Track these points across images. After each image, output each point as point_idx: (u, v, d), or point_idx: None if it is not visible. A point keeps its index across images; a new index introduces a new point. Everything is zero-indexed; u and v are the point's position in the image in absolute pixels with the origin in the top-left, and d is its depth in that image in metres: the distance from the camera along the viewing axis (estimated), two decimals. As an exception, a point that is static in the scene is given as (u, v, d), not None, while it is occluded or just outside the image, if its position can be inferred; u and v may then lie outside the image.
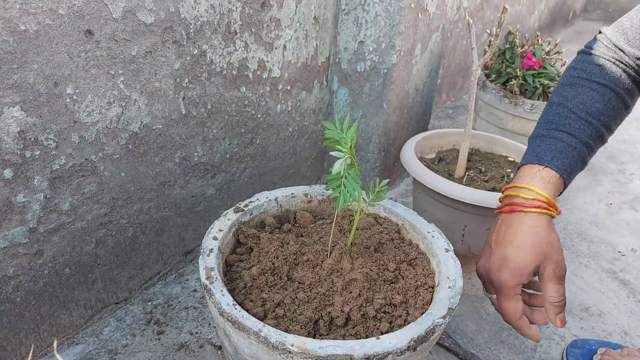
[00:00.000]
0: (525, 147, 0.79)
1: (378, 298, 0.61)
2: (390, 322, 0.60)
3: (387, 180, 0.61)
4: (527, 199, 0.65)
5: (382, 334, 0.58)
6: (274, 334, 0.52)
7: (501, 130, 1.34)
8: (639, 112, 2.11)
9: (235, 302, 0.55)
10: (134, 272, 0.94)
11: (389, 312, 0.61)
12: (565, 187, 0.68)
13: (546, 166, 0.66)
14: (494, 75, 1.34)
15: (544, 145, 0.69)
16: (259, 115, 1.04)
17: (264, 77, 1.01)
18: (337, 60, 1.21)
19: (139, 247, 0.92)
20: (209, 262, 0.61)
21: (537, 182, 0.66)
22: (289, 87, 1.10)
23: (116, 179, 0.82)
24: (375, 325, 0.59)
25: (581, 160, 0.69)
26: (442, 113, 1.99)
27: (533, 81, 1.25)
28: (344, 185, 0.54)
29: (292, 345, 0.51)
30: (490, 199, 0.91)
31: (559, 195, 0.68)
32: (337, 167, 0.53)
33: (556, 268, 0.64)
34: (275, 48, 1.01)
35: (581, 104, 0.70)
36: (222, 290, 0.57)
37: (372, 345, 0.52)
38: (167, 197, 0.93)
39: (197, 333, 0.91)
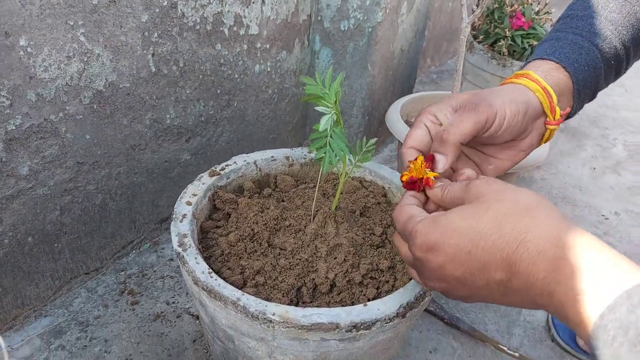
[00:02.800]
0: None
1: (364, 263, 0.57)
2: (377, 288, 0.57)
3: (375, 139, 0.56)
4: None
5: (368, 300, 0.55)
6: (254, 303, 0.48)
7: (487, 94, 1.30)
8: (624, 78, 2.10)
9: (210, 270, 0.51)
10: (105, 241, 0.89)
11: (375, 278, 0.57)
12: (575, 86, 0.57)
13: (543, 58, 0.57)
14: (481, 36, 1.30)
15: (543, 46, 0.60)
16: (236, 76, 0.98)
17: (240, 33, 0.94)
18: (319, 18, 1.15)
19: (109, 215, 0.87)
20: (181, 228, 0.56)
21: (529, 68, 0.57)
22: (268, 46, 1.03)
23: (80, 142, 0.75)
24: (361, 292, 0.56)
25: (591, 61, 0.58)
26: (426, 78, 1.95)
27: (522, 42, 1.21)
28: (329, 144, 0.49)
29: (274, 315, 0.47)
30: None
31: (578, 100, 0.58)
32: (324, 124, 0.49)
33: (469, 100, 0.51)
34: (253, 2, 0.94)
35: (594, 11, 0.60)
36: (196, 258, 0.52)
37: (359, 312, 0.49)
38: (138, 162, 0.87)
39: (174, 303, 0.87)
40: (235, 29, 0.92)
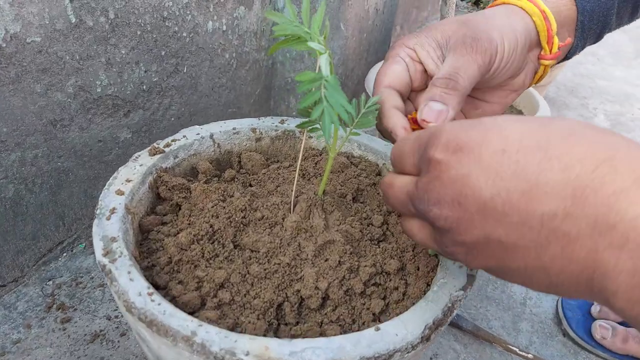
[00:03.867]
0: None
1: (365, 265, 0.43)
2: (384, 298, 0.43)
3: (378, 96, 0.41)
4: None
5: (374, 315, 0.41)
6: (217, 338, 0.32)
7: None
8: (595, 46, 2.04)
9: (152, 289, 0.35)
10: (24, 243, 0.70)
11: (381, 284, 0.43)
12: (579, 17, 0.48)
13: None
14: (463, -7, 1.16)
15: None
16: (185, 34, 0.80)
17: (188, -20, 0.76)
18: (281, -31, 0.97)
19: (27, 211, 0.68)
20: (108, 228, 0.39)
21: None
22: (222, -1, 0.85)
23: (-25, 116, 0.57)
24: (364, 305, 0.41)
25: None
26: (396, 48, 1.81)
27: (510, -2, 1.08)
28: (325, 98, 0.34)
29: (247, 355, 0.32)
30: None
31: (581, 36, 0.49)
32: (324, 66, 0.33)
33: (464, 35, 0.41)
34: (202, -59, 0.76)
35: None
36: (129, 273, 0.36)
37: (369, 340, 0.34)
38: (62, 142, 0.68)
39: (116, 317, 0.70)
40: (180, -26, 0.74)
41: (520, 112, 0.97)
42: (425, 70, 0.44)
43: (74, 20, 0.62)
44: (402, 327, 0.35)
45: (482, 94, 0.48)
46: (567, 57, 0.52)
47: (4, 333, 0.66)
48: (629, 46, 2.17)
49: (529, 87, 0.50)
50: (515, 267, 0.28)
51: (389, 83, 0.43)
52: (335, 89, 0.34)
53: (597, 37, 0.53)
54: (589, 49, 2.03)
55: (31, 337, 0.66)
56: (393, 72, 0.43)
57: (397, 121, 0.40)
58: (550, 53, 0.46)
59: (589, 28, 0.49)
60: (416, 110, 0.45)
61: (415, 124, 0.41)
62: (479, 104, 0.48)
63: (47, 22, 0.59)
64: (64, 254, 0.78)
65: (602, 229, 0.24)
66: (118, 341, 0.67)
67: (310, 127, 0.40)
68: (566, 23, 0.48)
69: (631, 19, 0.54)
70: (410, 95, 0.46)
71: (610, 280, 0.24)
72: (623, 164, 0.24)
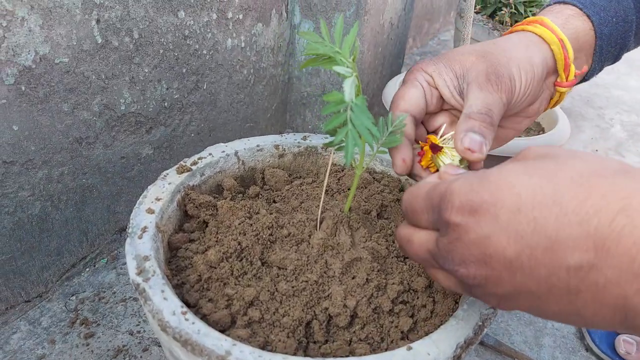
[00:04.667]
0: None
1: (393, 283, 0.43)
2: (412, 316, 0.42)
3: (406, 114, 0.42)
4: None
5: (403, 334, 0.41)
6: (252, 358, 0.33)
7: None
8: (608, 55, 2.03)
9: (185, 309, 0.36)
10: (49, 259, 0.71)
11: (409, 302, 0.43)
12: (597, 41, 0.47)
13: (564, 2, 0.48)
14: (478, 7, 1.17)
15: None
16: (205, 52, 0.81)
17: (208, -1, 0.78)
18: (298, -14, 0.99)
19: (52, 227, 0.70)
20: (141, 247, 0.40)
21: (546, 14, 0.48)
22: (241, 17, 0.87)
23: (6, 135, 0.58)
24: (392, 323, 0.41)
25: (622, 12, 0.48)
26: (409, 60, 1.81)
27: (525, 10, 1.09)
28: (351, 121, 0.34)
29: (282, 374, 0.32)
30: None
31: (598, 60, 0.49)
32: (348, 90, 0.33)
33: (487, 71, 0.42)
34: (222, -39, 0.78)
35: None
36: (163, 292, 0.36)
37: (402, 360, 0.34)
38: (87, 159, 0.70)
39: (139, 332, 0.71)
40: (201, -7, 0.76)
41: (539, 124, 0.97)
42: (441, 96, 0.45)
43: (100, 41, 0.64)
44: (434, 347, 0.35)
45: None
46: (584, 79, 0.53)
47: (29, 348, 0.67)
48: (644, 55, 2.16)
49: (542, 112, 0.51)
50: (549, 311, 0.29)
51: (405, 108, 0.43)
52: (361, 111, 0.35)
53: (615, 59, 0.53)
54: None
55: (55, 352, 0.67)
56: (410, 97, 0.43)
57: (399, 152, 0.41)
58: (567, 81, 0.47)
59: (607, 51, 0.50)
60: (430, 133, 0.46)
61: (420, 155, 0.42)
62: None
63: (75, 43, 0.61)
64: (87, 269, 0.79)
65: (628, 277, 0.25)
66: (140, 356, 0.67)
67: (337, 147, 0.40)
68: (584, 48, 0.48)
69: None
70: (423, 118, 0.47)
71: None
72: (639, 213, 0.25)
